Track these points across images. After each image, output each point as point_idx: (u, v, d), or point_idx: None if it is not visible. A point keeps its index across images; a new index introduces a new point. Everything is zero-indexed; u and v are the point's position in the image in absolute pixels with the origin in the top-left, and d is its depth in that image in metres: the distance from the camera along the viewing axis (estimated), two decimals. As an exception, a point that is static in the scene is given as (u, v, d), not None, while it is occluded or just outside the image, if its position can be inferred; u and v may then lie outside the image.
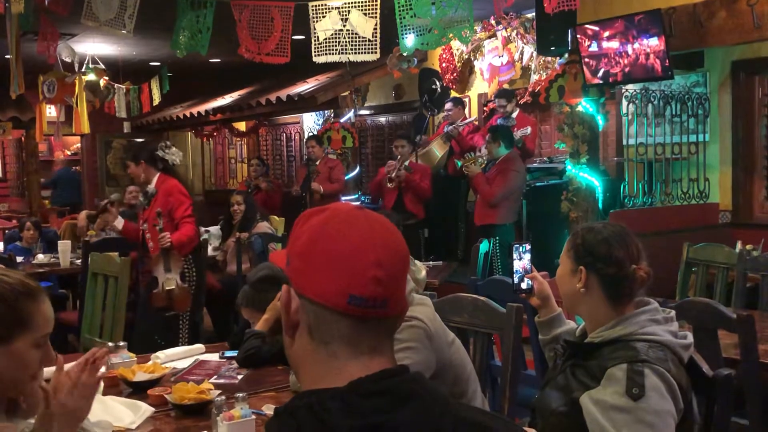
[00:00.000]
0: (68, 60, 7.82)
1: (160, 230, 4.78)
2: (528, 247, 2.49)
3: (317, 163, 8.21)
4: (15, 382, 1.72)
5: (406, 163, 7.25)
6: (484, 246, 5.41)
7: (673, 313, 2.06)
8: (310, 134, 9.58)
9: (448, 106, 8.18)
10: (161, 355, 3.10)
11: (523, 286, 2.45)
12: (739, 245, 5.14)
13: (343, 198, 8.68)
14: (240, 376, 2.84)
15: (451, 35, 4.83)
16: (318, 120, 11.31)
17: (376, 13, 4.96)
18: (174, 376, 2.85)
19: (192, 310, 5.10)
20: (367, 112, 10.49)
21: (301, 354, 1.09)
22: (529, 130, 7.24)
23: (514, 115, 7.44)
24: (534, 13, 6.41)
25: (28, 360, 1.72)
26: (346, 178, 8.66)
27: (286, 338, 1.11)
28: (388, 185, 7.26)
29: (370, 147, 10.69)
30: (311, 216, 1.11)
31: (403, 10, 4.84)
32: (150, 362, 2.96)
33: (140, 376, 2.73)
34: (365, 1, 4.98)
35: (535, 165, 7.35)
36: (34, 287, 1.73)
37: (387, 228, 1.09)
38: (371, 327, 1.06)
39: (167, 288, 4.82)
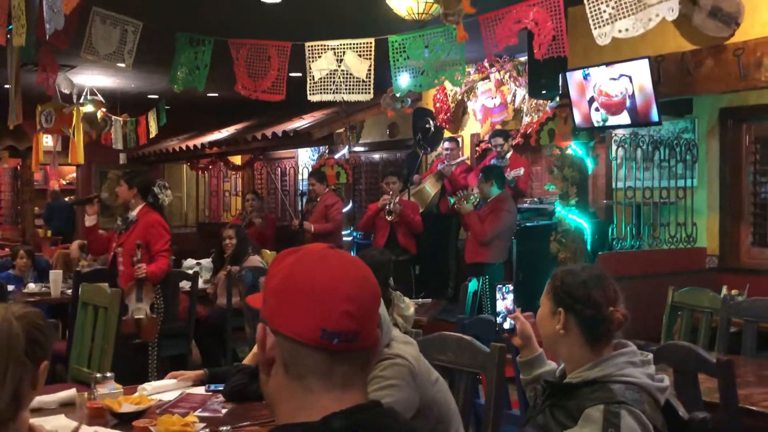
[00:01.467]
0: (67, 91, 7.91)
1: (138, 261, 4.85)
2: (511, 287, 2.55)
3: (317, 200, 8.19)
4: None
5: (396, 199, 7.31)
6: (473, 285, 5.45)
7: (650, 356, 2.10)
8: (310, 171, 9.63)
9: (447, 145, 8.28)
10: (147, 386, 3.12)
11: (506, 326, 2.49)
12: (724, 290, 5.19)
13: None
14: (225, 410, 2.85)
15: (443, 78, 4.94)
16: (313, 155, 11.40)
17: (370, 54, 5.07)
18: (159, 408, 2.87)
19: (159, 340, 5.16)
20: (361, 148, 10.59)
21: (276, 390, 1.13)
22: (522, 170, 7.34)
23: (508, 155, 7.55)
24: (526, 57, 6.54)
25: (41, 384, 1.78)
26: (342, 215, 8.69)
27: (262, 375, 1.15)
28: (387, 218, 7.30)
29: (364, 183, 10.77)
30: (285, 256, 1.16)
31: (397, 53, 4.95)
32: (136, 394, 2.98)
33: (126, 407, 2.75)
34: (360, 43, 5.09)
35: (525, 205, 7.43)
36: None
37: (358, 266, 1.15)
38: (343, 360, 1.10)
39: (136, 317, 4.89)
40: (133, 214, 5.11)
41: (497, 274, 6.55)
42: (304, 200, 8.36)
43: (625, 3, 3.86)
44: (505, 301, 2.52)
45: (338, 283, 1.10)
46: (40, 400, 2.87)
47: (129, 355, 4.93)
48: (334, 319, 1.08)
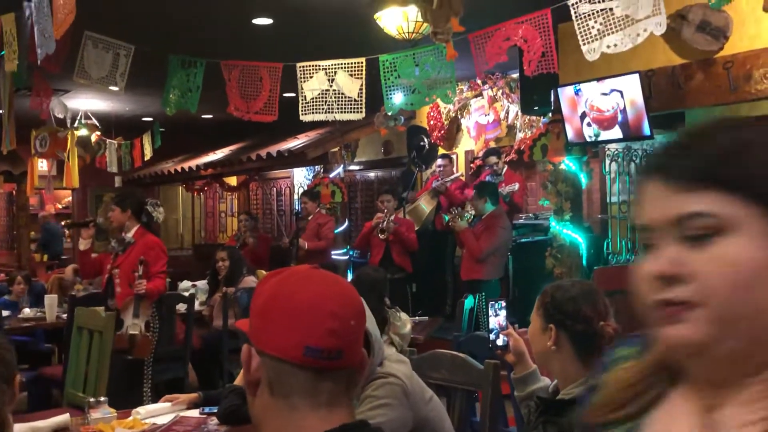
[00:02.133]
0: (61, 116, 7.92)
1: (139, 276, 4.87)
2: (504, 304, 2.54)
3: (309, 218, 8.24)
4: None
5: (392, 217, 7.32)
6: (469, 302, 5.44)
7: (643, 371, 2.10)
8: (304, 190, 9.66)
9: (440, 162, 8.31)
10: (141, 410, 3.10)
11: (499, 342, 2.49)
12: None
13: (332, 253, 8.72)
14: (219, 433, 2.84)
15: (434, 96, 4.96)
16: (308, 175, 11.42)
17: (361, 73, 5.10)
18: None
19: (153, 361, 5.16)
20: (356, 167, 10.62)
21: (262, 410, 1.13)
22: (516, 186, 7.35)
23: (504, 171, 7.56)
24: (518, 74, 6.58)
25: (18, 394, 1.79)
26: (335, 232, 8.70)
27: (249, 396, 1.15)
28: (380, 236, 7.30)
29: (360, 202, 10.78)
30: (270, 278, 1.17)
31: (388, 72, 4.98)
32: (130, 418, 2.97)
33: (119, 431, 2.74)
34: (351, 63, 5.12)
35: (520, 221, 7.44)
36: None
37: (342, 285, 1.16)
38: (327, 378, 1.10)
39: (131, 332, 4.88)
40: (129, 235, 5.11)
41: (494, 291, 6.54)
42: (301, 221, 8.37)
43: (614, 19, 3.89)
44: (498, 317, 2.51)
45: (321, 300, 1.11)
46: (33, 425, 2.87)
47: (124, 375, 4.91)
48: (318, 335, 1.08)
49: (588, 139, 5.83)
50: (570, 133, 5.89)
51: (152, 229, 5.33)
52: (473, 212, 6.88)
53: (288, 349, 1.08)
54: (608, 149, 6.15)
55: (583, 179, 6.18)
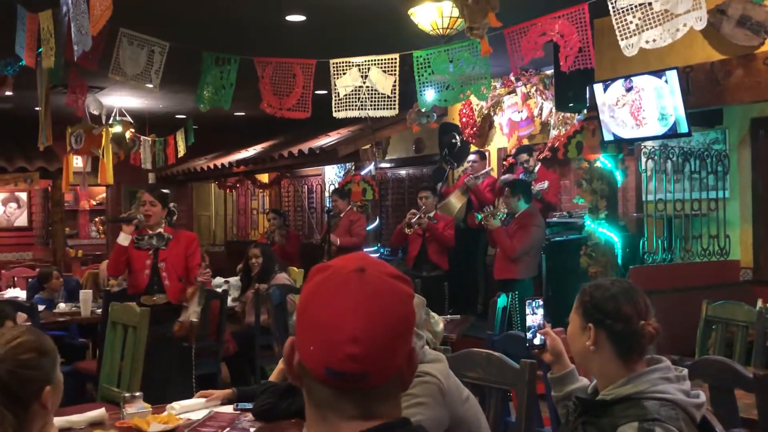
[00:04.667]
0: (96, 112, 8.00)
1: (207, 266, 4.96)
2: (541, 302, 2.50)
3: (341, 216, 8.27)
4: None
5: (431, 214, 7.27)
6: (502, 300, 5.39)
7: (685, 371, 2.05)
8: (334, 188, 9.67)
9: (472, 157, 8.27)
10: (176, 406, 3.11)
11: (536, 341, 2.44)
12: (760, 303, 5.08)
13: (364, 250, 8.71)
14: (253, 429, 2.84)
15: (468, 92, 4.92)
16: (339, 172, 11.43)
17: (395, 70, 5.07)
18: (188, 427, 2.86)
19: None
20: (387, 165, 10.59)
21: (306, 408, 1.10)
22: (546, 184, 7.27)
23: (536, 169, 7.48)
24: (553, 70, 6.51)
25: (53, 404, 1.78)
26: (366, 230, 8.70)
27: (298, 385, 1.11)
28: (406, 230, 7.27)
29: (391, 199, 10.76)
30: (317, 273, 1.10)
31: (422, 68, 4.94)
32: (165, 413, 2.97)
33: (154, 426, 2.74)
34: (385, 59, 5.09)
35: (554, 220, 7.35)
36: None
37: (379, 295, 1.05)
38: (355, 398, 1.05)
39: (192, 319, 4.93)
40: (161, 231, 5.15)
41: (527, 290, 6.47)
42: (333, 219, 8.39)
43: (653, 13, 3.82)
44: (535, 315, 2.46)
45: (345, 322, 1.02)
46: (69, 419, 2.88)
47: (177, 363, 5.01)
48: (338, 360, 1.02)
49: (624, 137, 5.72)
50: (606, 131, 5.79)
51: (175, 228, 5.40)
52: (506, 211, 6.82)
53: (312, 365, 1.04)
54: (644, 147, 6.05)
55: (619, 177, 6.09)
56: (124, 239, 5.05)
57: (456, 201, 8.02)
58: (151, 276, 5.06)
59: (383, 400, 1.07)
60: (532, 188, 7.10)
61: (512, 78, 8.09)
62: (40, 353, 1.74)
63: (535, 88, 7.97)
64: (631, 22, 3.88)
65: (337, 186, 9.79)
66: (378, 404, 1.06)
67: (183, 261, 5.04)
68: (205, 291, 5.21)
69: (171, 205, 5.25)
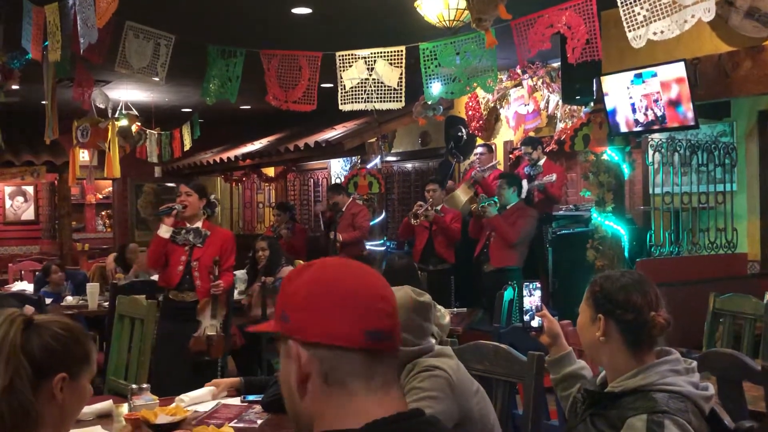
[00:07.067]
0: (102, 106, 8.01)
1: (216, 278, 4.90)
2: (538, 284, 2.50)
3: (343, 209, 8.23)
4: (71, 418, 1.74)
5: (438, 207, 7.25)
6: (508, 293, 5.38)
7: (694, 363, 2.04)
8: (332, 183, 9.65)
9: (479, 150, 8.26)
10: (184, 397, 3.12)
11: (534, 324, 2.44)
12: (767, 296, 5.07)
13: (369, 244, 8.70)
14: (260, 421, 2.84)
15: (475, 84, 4.90)
16: (345, 166, 11.42)
17: (401, 62, 5.05)
18: (195, 419, 2.87)
19: (225, 357, 5.18)
20: (393, 158, 10.58)
21: (314, 403, 1.10)
22: (554, 176, 7.24)
23: (541, 162, 7.46)
24: (559, 63, 6.48)
25: (86, 396, 1.77)
26: (371, 223, 8.68)
27: (295, 396, 1.12)
28: (413, 221, 7.25)
29: (397, 193, 10.75)
30: (300, 273, 1.15)
31: (428, 60, 4.92)
32: (173, 405, 2.98)
33: (162, 418, 2.75)
34: (391, 51, 5.07)
35: (560, 213, 7.33)
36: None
37: (373, 270, 1.17)
38: (381, 362, 1.11)
39: (209, 333, 4.87)
40: (199, 225, 5.09)
41: (521, 279, 6.47)
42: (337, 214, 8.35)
43: (660, 4, 3.79)
44: (532, 297, 2.46)
45: (369, 284, 1.12)
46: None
47: (195, 375, 4.78)
48: (375, 318, 1.10)
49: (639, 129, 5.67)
50: (618, 123, 5.74)
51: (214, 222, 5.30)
52: (499, 201, 6.81)
53: (345, 335, 1.08)
54: (651, 139, 6.02)
55: (626, 170, 6.07)
56: (165, 231, 4.99)
57: (462, 194, 8.00)
58: (184, 273, 5.02)
59: (396, 372, 1.16)
60: (538, 181, 7.10)
61: (519, 71, 8.06)
62: (74, 339, 1.73)
63: (541, 80, 7.94)
64: (638, 14, 3.86)
65: (343, 180, 9.77)
66: (395, 376, 1.14)
67: (212, 268, 4.96)
68: (224, 304, 5.09)
69: (211, 197, 5.17)
